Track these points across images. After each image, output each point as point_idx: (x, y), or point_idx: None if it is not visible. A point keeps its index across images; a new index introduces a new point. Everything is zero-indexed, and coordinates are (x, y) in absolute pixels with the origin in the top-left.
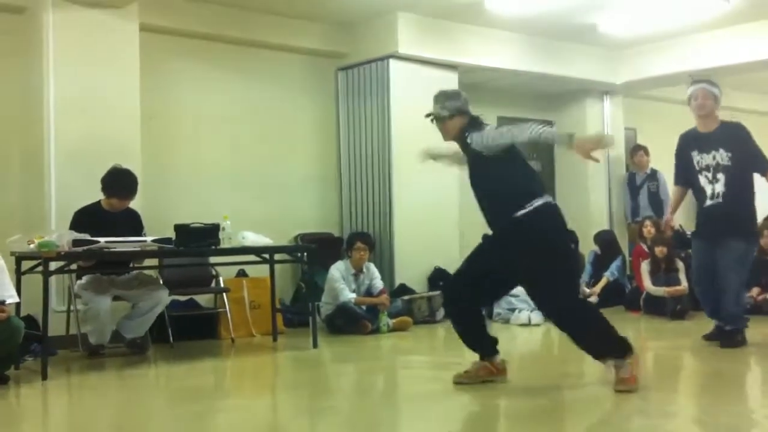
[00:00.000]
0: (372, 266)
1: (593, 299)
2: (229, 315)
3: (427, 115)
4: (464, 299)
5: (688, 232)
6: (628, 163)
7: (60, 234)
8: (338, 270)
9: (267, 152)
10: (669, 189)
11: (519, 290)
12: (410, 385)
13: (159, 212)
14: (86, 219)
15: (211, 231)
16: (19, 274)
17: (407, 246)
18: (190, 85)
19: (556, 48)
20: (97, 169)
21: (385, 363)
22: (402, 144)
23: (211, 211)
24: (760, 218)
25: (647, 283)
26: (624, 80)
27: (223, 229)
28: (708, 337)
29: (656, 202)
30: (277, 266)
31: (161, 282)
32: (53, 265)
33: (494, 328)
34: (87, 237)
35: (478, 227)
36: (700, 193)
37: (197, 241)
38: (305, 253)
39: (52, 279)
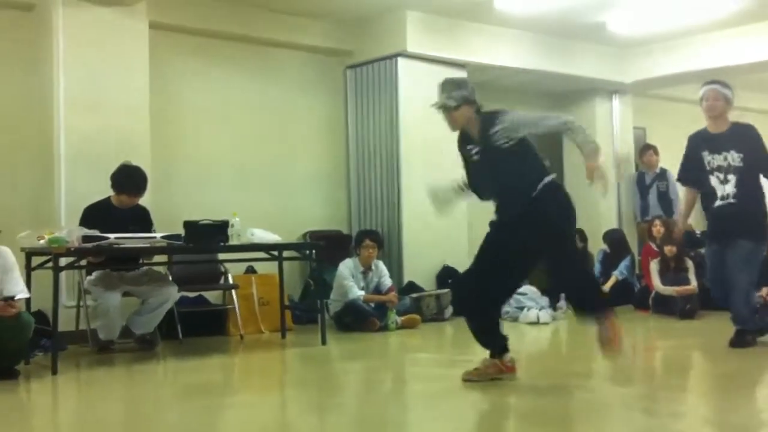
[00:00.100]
0: (380, 264)
1: None
2: (237, 311)
3: (434, 105)
4: (476, 296)
5: (698, 232)
6: (638, 163)
7: (70, 230)
8: (347, 267)
9: (276, 150)
10: (678, 188)
11: (527, 289)
12: (418, 383)
13: (168, 209)
14: (96, 215)
15: (221, 228)
16: (29, 270)
17: (416, 244)
18: (199, 82)
19: (565, 46)
20: (106, 165)
21: (394, 360)
22: (410, 142)
23: (221, 208)
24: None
25: (656, 283)
26: (633, 79)
27: (232, 226)
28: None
29: (666, 201)
30: (285, 263)
31: (170, 278)
32: (63, 261)
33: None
34: (97, 233)
35: (486, 219)
36: (710, 193)
37: (206, 237)
38: (314, 251)
39: (62, 275)
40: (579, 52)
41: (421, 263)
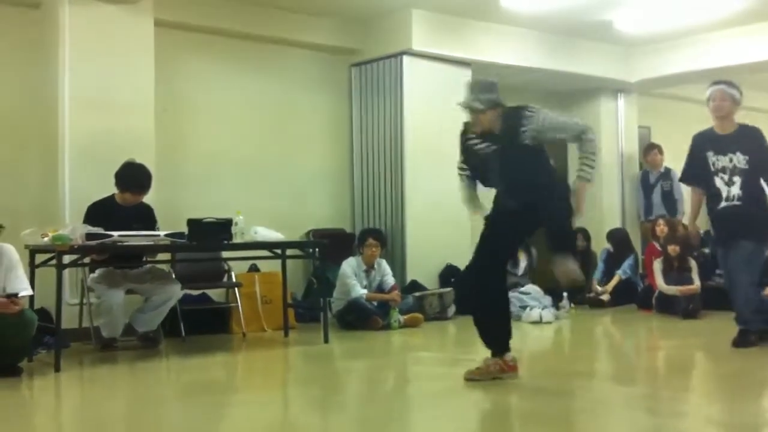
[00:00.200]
0: (383, 262)
1: (605, 297)
2: (240, 309)
3: (460, 104)
4: (477, 293)
5: (701, 231)
6: (642, 162)
7: (74, 227)
8: (350, 266)
9: (280, 148)
10: (683, 188)
11: (530, 288)
12: (421, 382)
13: (172, 207)
14: (100, 213)
15: (224, 226)
16: (32, 267)
17: (419, 242)
18: (204, 80)
19: (571, 45)
20: (111, 163)
21: (396, 359)
22: (415, 141)
23: (224, 206)
24: None
25: (660, 282)
26: (638, 78)
27: (236, 224)
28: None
29: (669, 200)
30: (288, 261)
31: (174, 276)
32: (67, 259)
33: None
34: (100, 231)
35: None
36: (715, 194)
37: (210, 235)
38: (317, 249)
39: (66, 272)
40: (585, 50)
41: (424, 262)
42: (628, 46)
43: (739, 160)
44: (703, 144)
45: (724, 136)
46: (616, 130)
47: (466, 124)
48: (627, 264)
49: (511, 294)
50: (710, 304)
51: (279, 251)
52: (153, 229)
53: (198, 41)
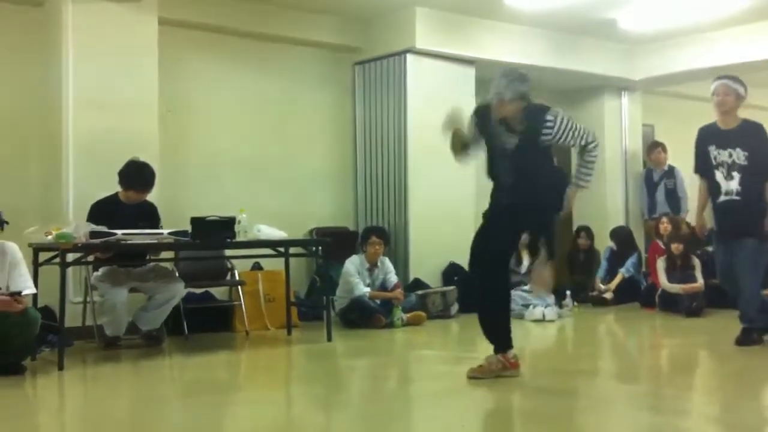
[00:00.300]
0: (386, 261)
1: (608, 295)
2: (243, 308)
3: (491, 90)
4: (480, 292)
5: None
6: (646, 160)
7: (77, 226)
8: (353, 264)
9: (283, 146)
10: (686, 186)
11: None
12: (423, 380)
13: (176, 205)
14: (103, 211)
15: (227, 224)
16: (36, 266)
17: (422, 241)
18: (208, 78)
19: (575, 43)
20: (114, 161)
21: (399, 357)
22: (418, 139)
23: (228, 205)
24: None
25: (663, 280)
26: (642, 76)
27: (239, 222)
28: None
29: (673, 199)
30: (292, 260)
31: (177, 274)
32: (70, 257)
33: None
34: (104, 229)
35: None
36: (715, 187)
37: (213, 234)
38: (320, 247)
39: (69, 270)
40: (588, 48)
41: (427, 260)
42: (632, 44)
43: (739, 155)
44: (706, 138)
45: (726, 131)
46: (619, 128)
47: (485, 107)
48: (630, 262)
49: (514, 292)
50: (714, 303)
51: (282, 249)
52: (156, 227)
53: (201, 40)
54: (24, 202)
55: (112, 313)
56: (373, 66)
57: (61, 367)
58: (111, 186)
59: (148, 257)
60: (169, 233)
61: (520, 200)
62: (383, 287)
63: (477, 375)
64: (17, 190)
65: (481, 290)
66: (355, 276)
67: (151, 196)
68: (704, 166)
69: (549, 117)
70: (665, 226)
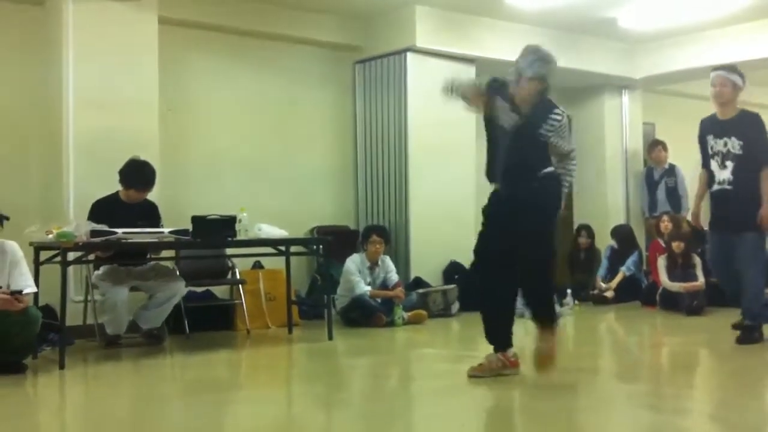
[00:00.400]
0: (387, 259)
1: (609, 294)
2: (244, 306)
3: (513, 66)
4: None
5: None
6: (646, 158)
7: (78, 224)
8: (354, 263)
9: (284, 145)
10: (687, 184)
11: None
12: (424, 378)
13: (176, 204)
14: (104, 210)
15: (228, 223)
16: (37, 264)
17: (423, 239)
18: (208, 77)
19: (575, 42)
20: (115, 160)
21: (400, 356)
22: (419, 137)
23: (228, 203)
24: None
25: (664, 279)
26: (643, 75)
27: (240, 221)
28: (736, 326)
29: (674, 197)
30: (292, 258)
31: (178, 273)
32: (71, 256)
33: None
34: (105, 228)
35: None
36: (711, 176)
37: (214, 232)
38: (321, 246)
39: (70, 269)
40: (589, 47)
41: (428, 259)
42: (633, 42)
43: (734, 145)
44: (705, 128)
45: (723, 121)
46: (620, 126)
47: (502, 83)
48: (631, 261)
49: None
50: (715, 301)
51: (283, 248)
52: (157, 226)
53: (202, 39)
54: (24, 201)
55: (113, 312)
56: (374, 65)
57: (62, 366)
58: (111, 185)
59: (148, 256)
60: (170, 232)
61: (519, 192)
62: (384, 286)
63: (477, 374)
64: (18, 188)
65: (483, 289)
66: (356, 275)
67: (152, 195)
68: (704, 158)
69: (557, 112)
70: (666, 224)
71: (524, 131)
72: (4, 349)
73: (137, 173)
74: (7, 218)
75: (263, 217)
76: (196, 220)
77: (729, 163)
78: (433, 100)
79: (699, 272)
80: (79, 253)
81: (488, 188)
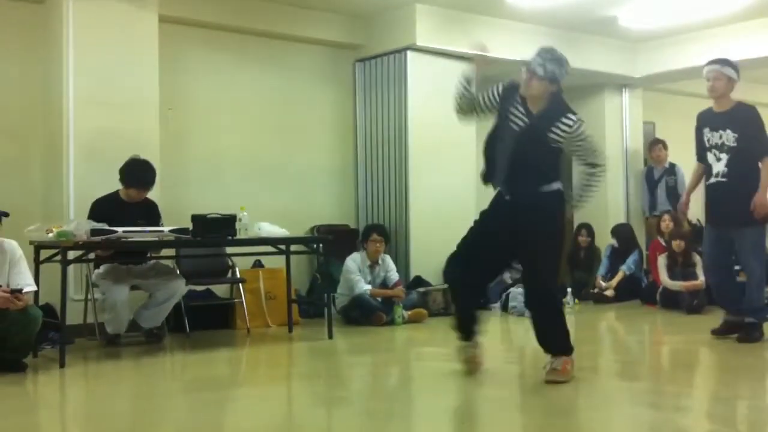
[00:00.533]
0: (387, 258)
1: (609, 293)
2: (245, 305)
3: (523, 63)
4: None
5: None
6: (647, 157)
7: (78, 223)
8: (354, 262)
9: (284, 144)
10: (687, 183)
11: None
12: (424, 377)
13: (176, 203)
14: (104, 209)
15: (228, 222)
16: (37, 263)
17: (423, 238)
18: (208, 76)
19: (575, 40)
20: (115, 159)
21: (400, 355)
22: (419, 136)
23: (229, 202)
24: None
25: (664, 278)
26: (643, 74)
27: (240, 220)
28: (716, 332)
29: (674, 196)
30: (292, 257)
31: (178, 272)
32: (71, 255)
33: (509, 321)
34: (105, 227)
35: None
36: (707, 170)
37: (214, 231)
38: (321, 245)
39: (70, 268)
40: (589, 46)
41: (428, 258)
42: (633, 41)
43: (729, 137)
44: (701, 122)
45: (719, 114)
46: (620, 125)
47: (515, 88)
48: (631, 260)
49: (515, 290)
50: (715, 300)
51: (283, 247)
52: (157, 225)
53: (202, 37)
54: (25, 200)
55: (113, 311)
56: (374, 63)
57: (62, 365)
58: (112, 184)
59: (149, 255)
60: (170, 231)
61: (520, 199)
62: (384, 285)
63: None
64: (18, 187)
65: (458, 282)
66: (356, 273)
67: (152, 194)
68: (700, 151)
69: (570, 117)
70: (666, 223)
71: (531, 133)
72: (5, 347)
73: (137, 172)
74: (7, 215)
75: (263, 215)
76: (196, 218)
77: (724, 156)
78: (434, 98)
79: (699, 271)
80: (79, 252)
81: (488, 187)
